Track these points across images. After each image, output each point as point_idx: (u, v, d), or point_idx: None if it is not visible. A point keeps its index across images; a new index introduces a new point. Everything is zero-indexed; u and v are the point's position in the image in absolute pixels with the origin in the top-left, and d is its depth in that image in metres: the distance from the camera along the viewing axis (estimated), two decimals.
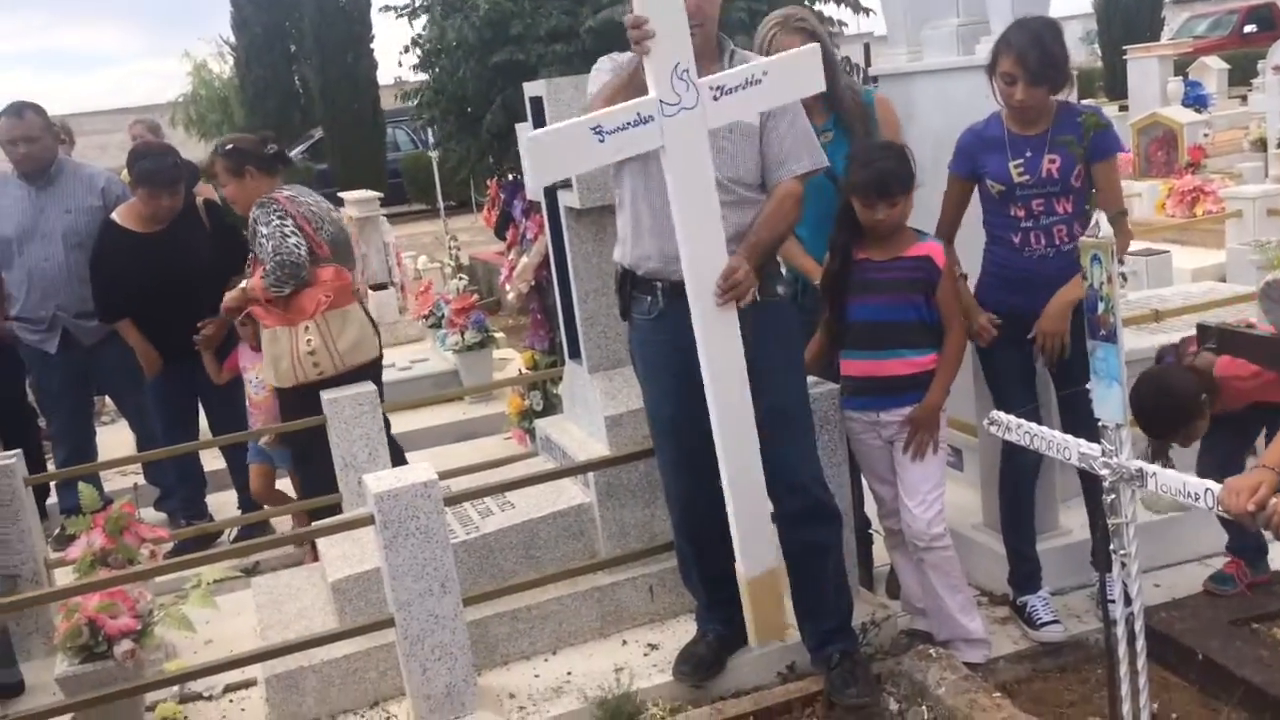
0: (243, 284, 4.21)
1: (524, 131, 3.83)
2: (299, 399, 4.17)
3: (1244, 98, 14.90)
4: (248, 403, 4.72)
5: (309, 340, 4.06)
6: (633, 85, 2.76)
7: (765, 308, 2.96)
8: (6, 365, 5.05)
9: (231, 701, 3.45)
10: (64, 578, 3.84)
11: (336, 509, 4.18)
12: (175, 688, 3.38)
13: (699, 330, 2.84)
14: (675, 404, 3.09)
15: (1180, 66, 15.22)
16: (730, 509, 2.97)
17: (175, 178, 4.61)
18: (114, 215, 4.63)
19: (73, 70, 72.08)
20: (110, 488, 5.01)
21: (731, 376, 2.88)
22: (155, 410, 4.82)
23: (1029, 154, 3.24)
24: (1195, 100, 13.15)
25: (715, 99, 2.69)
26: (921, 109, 3.96)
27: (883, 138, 3.46)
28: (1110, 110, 15.23)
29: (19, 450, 3.91)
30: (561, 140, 2.65)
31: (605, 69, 3.02)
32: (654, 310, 3.05)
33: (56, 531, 4.74)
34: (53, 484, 5.17)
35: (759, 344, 2.96)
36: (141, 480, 5.31)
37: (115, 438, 5.69)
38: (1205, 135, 11.31)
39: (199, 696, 3.47)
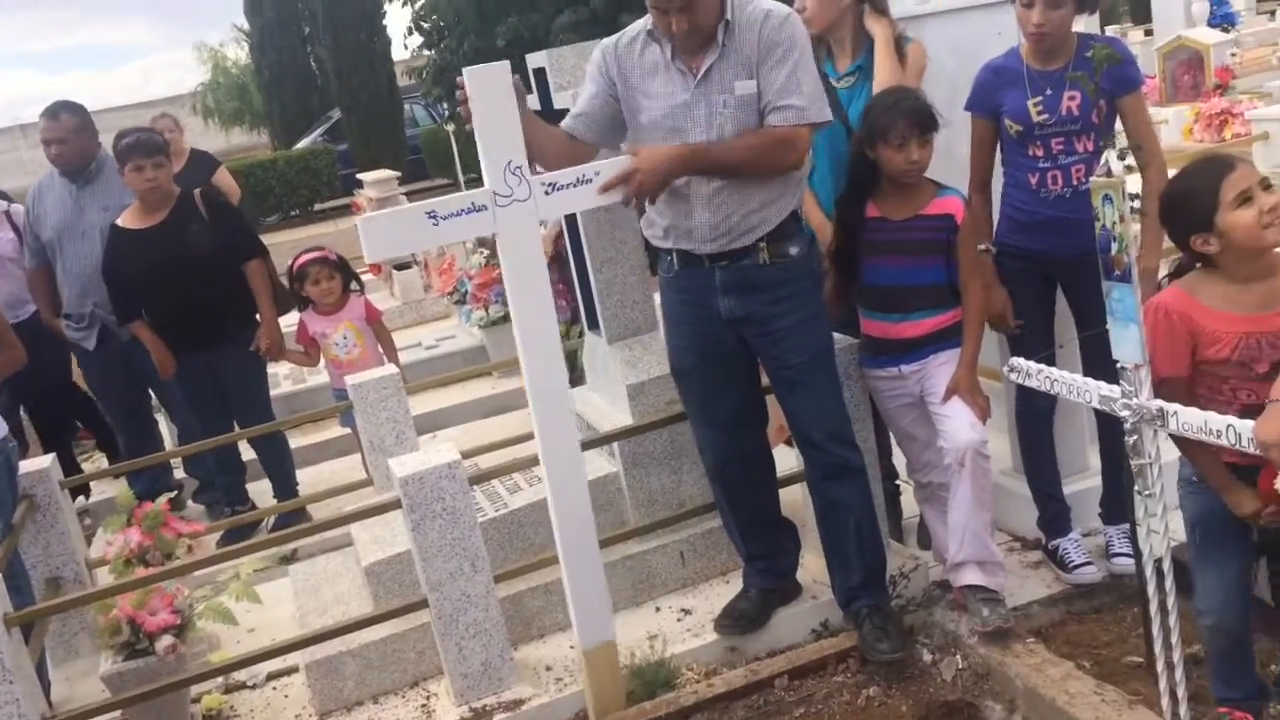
0: None
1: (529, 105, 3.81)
2: None
3: (1273, 13, 14.51)
4: (332, 365, 4.85)
5: None
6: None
7: (778, 267, 2.98)
8: (50, 361, 5.14)
9: (275, 689, 3.50)
10: (107, 578, 3.91)
11: None
12: (219, 678, 3.44)
13: (534, 403, 2.87)
14: (697, 354, 3.14)
15: None
16: (565, 578, 3.02)
17: (154, 146, 4.58)
18: (117, 219, 4.67)
19: (98, 66, 72.65)
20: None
21: (565, 451, 2.94)
22: (185, 404, 4.88)
23: (1049, 91, 3.12)
24: (1222, 19, 12.82)
25: (547, 193, 2.81)
26: (934, 52, 3.86)
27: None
28: (1135, 36, 14.92)
29: (53, 454, 3.98)
30: (396, 223, 2.80)
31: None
32: (671, 270, 3.11)
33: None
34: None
35: (772, 303, 2.99)
36: (180, 473, 5.41)
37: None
38: (1233, 55, 11.03)
39: (243, 686, 3.53)
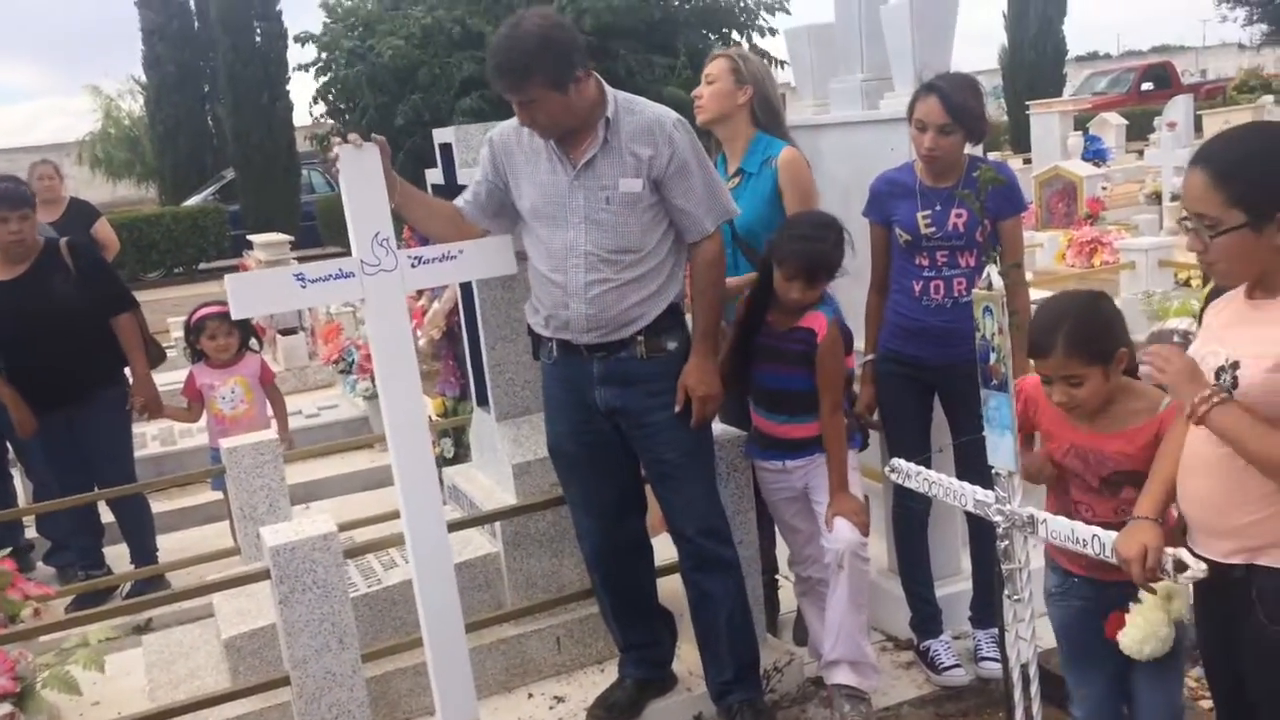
0: None
1: (431, 178, 3.81)
2: None
3: (1140, 153, 15.52)
4: (214, 420, 4.64)
5: None
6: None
7: (655, 361, 3.01)
8: None
9: None
10: None
11: None
12: None
13: (399, 475, 2.99)
14: (575, 443, 3.13)
15: (1081, 122, 15.90)
16: (429, 657, 3.00)
17: (20, 197, 4.40)
18: None
19: None
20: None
21: (431, 526, 2.99)
22: (43, 461, 4.64)
23: (938, 207, 3.26)
24: (1095, 154, 13.72)
25: (413, 266, 2.92)
26: (828, 158, 4.04)
27: (793, 197, 3.48)
28: (1014, 164, 15.79)
29: None
30: (264, 283, 2.93)
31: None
32: (551, 358, 3.11)
33: None
34: None
35: (647, 396, 3.02)
36: (31, 532, 5.12)
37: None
38: (1104, 188, 11.76)
39: None
